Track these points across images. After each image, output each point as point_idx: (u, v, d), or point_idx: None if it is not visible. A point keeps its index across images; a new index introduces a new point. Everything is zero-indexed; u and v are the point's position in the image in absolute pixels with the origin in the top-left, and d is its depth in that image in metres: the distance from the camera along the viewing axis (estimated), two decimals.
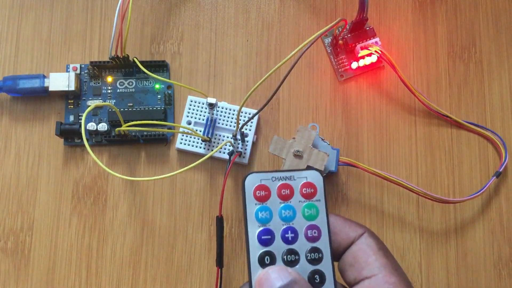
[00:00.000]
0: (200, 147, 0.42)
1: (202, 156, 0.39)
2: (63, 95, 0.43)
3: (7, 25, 0.45)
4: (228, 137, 0.42)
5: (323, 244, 0.29)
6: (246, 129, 0.42)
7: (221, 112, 0.42)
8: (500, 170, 0.42)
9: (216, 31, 0.45)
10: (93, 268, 0.41)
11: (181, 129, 0.42)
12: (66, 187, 0.42)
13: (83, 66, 0.44)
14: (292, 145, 0.38)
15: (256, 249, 0.29)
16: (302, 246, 0.29)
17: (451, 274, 0.41)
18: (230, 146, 0.41)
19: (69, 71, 0.44)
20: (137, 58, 0.43)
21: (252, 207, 0.30)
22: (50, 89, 0.42)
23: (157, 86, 0.44)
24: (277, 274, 0.27)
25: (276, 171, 0.30)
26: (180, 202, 0.42)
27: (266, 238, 0.29)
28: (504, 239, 0.42)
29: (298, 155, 0.37)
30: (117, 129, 0.39)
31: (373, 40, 0.43)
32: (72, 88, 0.42)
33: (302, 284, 0.27)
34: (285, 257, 0.29)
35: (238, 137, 0.41)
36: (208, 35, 0.45)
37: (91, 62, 0.43)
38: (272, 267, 0.28)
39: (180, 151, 0.43)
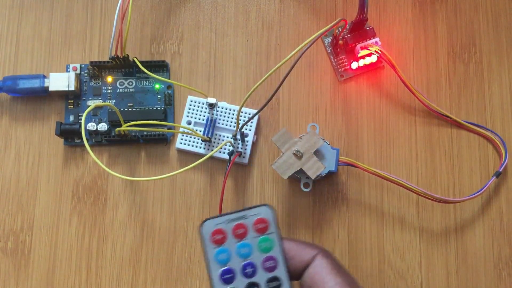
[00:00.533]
0: (200, 147, 0.42)
1: (202, 156, 0.39)
2: (63, 95, 0.43)
3: (7, 25, 0.45)
4: (228, 137, 0.42)
5: (281, 272, 0.32)
6: (246, 129, 0.42)
7: (221, 112, 0.42)
8: (500, 170, 0.42)
9: (216, 31, 0.45)
10: (93, 268, 0.41)
11: (181, 129, 0.42)
12: (66, 187, 0.42)
13: (83, 66, 0.44)
14: (296, 144, 0.38)
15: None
16: (261, 277, 0.32)
17: (451, 274, 0.41)
18: (230, 146, 0.41)
19: (69, 71, 0.44)
20: (137, 58, 0.43)
21: (211, 251, 0.32)
22: (50, 89, 0.42)
23: (157, 86, 0.44)
24: None
25: (228, 213, 0.32)
26: (180, 202, 0.42)
27: (228, 277, 0.32)
28: (504, 239, 0.42)
29: (296, 155, 0.37)
30: (117, 129, 0.39)
31: (373, 40, 0.43)
32: (72, 88, 0.42)
33: None
34: None
35: (238, 137, 0.41)
36: (208, 35, 0.45)
37: (91, 62, 0.43)
38: None
39: (180, 151, 0.43)
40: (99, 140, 0.43)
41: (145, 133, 0.42)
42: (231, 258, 0.32)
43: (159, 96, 0.44)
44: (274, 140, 0.38)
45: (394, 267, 0.41)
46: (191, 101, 0.43)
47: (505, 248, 0.41)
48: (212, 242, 0.32)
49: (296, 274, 0.32)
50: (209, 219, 0.32)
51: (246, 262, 0.32)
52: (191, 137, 0.42)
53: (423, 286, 0.41)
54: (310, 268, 0.32)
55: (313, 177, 0.37)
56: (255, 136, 0.42)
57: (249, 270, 0.32)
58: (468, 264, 0.41)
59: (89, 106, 0.37)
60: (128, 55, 0.42)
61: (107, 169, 0.34)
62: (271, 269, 0.32)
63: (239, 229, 0.32)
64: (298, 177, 0.39)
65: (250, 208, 0.33)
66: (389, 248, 0.41)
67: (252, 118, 0.38)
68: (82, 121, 0.34)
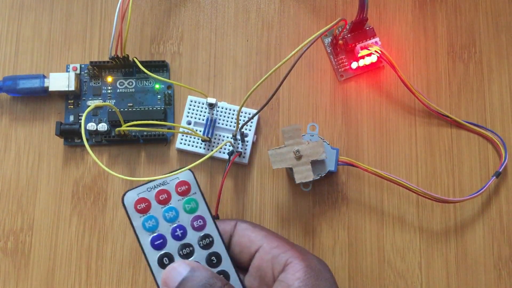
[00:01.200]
0: (200, 147, 0.42)
1: (202, 156, 0.39)
2: (63, 95, 0.43)
3: (7, 25, 0.45)
4: (228, 137, 0.42)
5: (211, 229, 0.33)
6: (246, 129, 0.42)
7: (221, 112, 0.42)
8: (500, 170, 0.42)
9: (216, 31, 0.45)
10: (93, 268, 0.41)
11: (181, 129, 0.42)
12: (66, 187, 0.42)
13: (83, 66, 0.44)
14: (300, 144, 0.38)
15: (153, 255, 0.32)
16: (192, 237, 0.33)
17: (451, 274, 0.41)
18: (230, 146, 0.41)
19: (69, 71, 0.44)
20: (137, 58, 0.43)
21: (138, 220, 0.32)
22: (50, 89, 0.42)
23: (157, 86, 0.44)
24: (177, 269, 0.30)
25: (148, 181, 0.33)
26: None
27: (158, 242, 0.32)
28: (504, 239, 0.42)
29: (295, 154, 0.37)
30: (117, 129, 0.40)
31: (373, 40, 0.43)
32: (72, 88, 0.42)
33: (200, 269, 0.30)
34: (180, 252, 0.32)
35: (238, 137, 0.41)
36: (208, 35, 0.45)
37: (91, 62, 0.43)
38: (171, 264, 0.31)
39: (180, 151, 0.43)
40: (99, 140, 0.43)
41: (145, 133, 0.42)
42: (159, 224, 0.32)
43: (159, 96, 0.44)
44: (283, 131, 0.38)
45: (394, 267, 0.41)
46: (191, 101, 0.43)
47: (505, 248, 0.41)
48: (137, 211, 0.32)
49: (223, 243, 0.33)
50: (129, 190, 0.33)
51: (174, 225, 0.33)
52: (191, 137, 0.42)
53: (423, 286, 0.41)
54: (235, 237, 0.34)
55: (296, 182, 0.37)
56: (255, 136, 0.42)
57: (179, 232, 0.32)
58: (468, 264, 0.41)
59: (89, 106, 0.37)
60: (128, 55, 0.42)
61: (106, 169, 0.34)
62: (200, 228, 0.33)
63: (162, 194, 0.33)
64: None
65: (168, 173, 0.33)
66: (389, 248, 0.41)
67: (252, 118, 0.38)
68: (82, 121, 0.34)
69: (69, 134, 0.42)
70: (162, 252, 0.32)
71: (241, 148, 0.42)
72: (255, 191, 0.42)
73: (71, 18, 0.45)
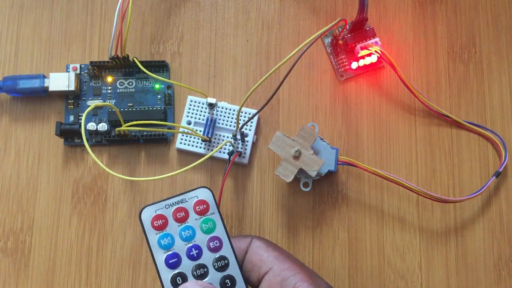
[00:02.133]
0: (200, 147, 0.42)
1: (202, 156, 0.39)
2: (63, 95, 0.43)
3: (7, 25, 0.45)
4: (228, 137, 0.42)
5: (227, 251, 0.32)
6: (246, 129, 0.42)
7: (221, 112, 0.42)
8: (500, 170, 0.42)
9: (216, 31, 0.45)
10: (93, 268, 0.41)
11: (181, 129, 0.42)
12: (66, 187, 0.42)
13: (83, 66, 0.44)
14: (292, 145, 0.38)
15: (167, 274, 0.31)
16: (208, 258, 0.32)
17: (451, 274, 0.41)
18: (230, 146, 0.41)
19: (69, 71, 0.44)
20: (137, 58, 0.43)
21: (153, 237, 0.32)
22: (50, 89, 0.42)
23: (157, 86, 0.44)
24: None
25: (167, 198, 0.33)
26: None
27: (173, 261, 0.32)
28: (504, 239, 0.42)
29: (296, 156, 0.37)
30: (117, 129, 0.40)
31: (373, 40, 0.43)
32: (72, 88, 0.42)
33: None
34: (194, 272, 0.32)
35: (238, 137, 0.41)
36: (208, 35, 0.45)
37: (91, 62, 0.43)
38: (183, 284, 0.31)
39: (180, 151, 0.43)
40: (99, 140, 0.43)
41: (145, 133, 0.42)
42: (174, 243, 0.32)
43: (159, 96, 0.44)
44: (303, 128, 0.38)
45: (394, 267, 0.41)
46: (191, 101, 0.43)
47: (505, 248, 0.41)
48: (154, 228, 0.32)
49: (239, 266, 0.33)
50: (147, 206, 0.32)
51: (190, 245, 0.32)
52: (191, 137, 0.42)
53: (423, 286, 0.41)
54: (248, 253, 0.33)
55: (313, 175, 0.37)
56: (255, 136, 0.42)
57: (194, 252, 0.32)
58: (468, 264, 0.41)
59: (89, 106, 0.37)
60: (128, 55, 0.42)
61: (106, 169, 0.34)
62: (216, 249, 0.32)
63: (179, 212, 0.32)
64: (297, 176, 0.39)
65: (187, 191, 0.33)
66: (389, 248, 0.41)
67: (252, 118, 0.38)
68: (82, 121, 0.34)
69: (69, 134, 0.42)
70: (176, 271, 0.31)
71: (241, 148, 0.42)
72: (255, 191, 0.42)
73: (71, 18, 0.45)
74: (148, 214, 0.32)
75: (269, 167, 0.43)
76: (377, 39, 0.43)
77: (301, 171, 0.38)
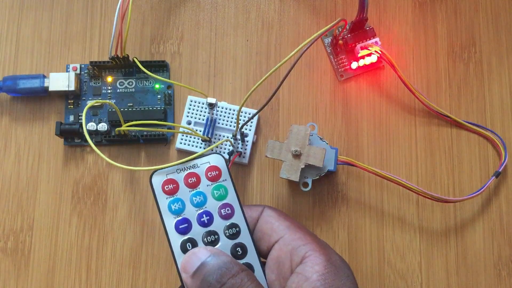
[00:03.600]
0: (200, 147, 0.42)
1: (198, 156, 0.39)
2: (63, 95, 0.43)
3: (7, 25, 0.45)
4: (228, 137, 0.42)
5: (238, 219, 0.32)
6: (246, 129, 0.42)
7: (221, 112, 0.42)
8: (500, 170, 0.42)
9: (216, 31, 0.45)
10: (93, 268, 0.41)
11: (181, 129, 0.42)
12: (66, 187, 0.42)
13: (83, 66, 0.44)
14: (288, 146, 0.38)
15: (177, 239, 0.31)
16: (219, 225, 0.31)
17: (451, 274, 0.41)
18: (230, 146, 0.41)
19: (69, 71, 0.44)
20: (137, 58, 0.43)
21: (164, 201, 0.31)
22: (50, 89, 0.42)
23: (157, 86, 0.44)
24: (196, 254, 0.29)
25: (179, 162, 0.32)
26: None
27: (183, 227, 0.31)
28: (504, 239, 0.42)
29: (296, 155, 0.37)
30: (117, 129, 0.40)
31: (373, 40, 0.43)
32: (72, 88, 0.42)
33: (220, 255, 0.29)
34: (205, 239, 0.31)
35: (238, 137, 0.41)
36: (208, 35, 0.45)
37: (91, 62, 0.43)
38: (191, 250, 0.30)
39: (180, 151, 0.43)
40: (99, 140, 0.43)
41: (145, 133, 0.42)
42: (185, 208, 0.31)
43: (159, 96, 0.44)
44: (269, 155, 0.38)
45: (394, 267, 0.41)
46: (191, 101, 0.43)
47: (505, 248, 0.41)
48: (164, 192, 0.31)
49: (250, 234, 0.32)
50: (159, 169, 0.31)
51: (201, 211, 0.31)
52: (191, 137, 0.42)
53: (423, 286, 0.41)
54: (258, 222, 0.32)
55: (321, 165, 0.37)
56: (255, 136, 0.42)
57: (205, 218, 0.31)
58: (468, 264, 0.41)
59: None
60: (128, 55, 0.42)
61: (110, 161, 0.33)
62: (228, 216, 0.32)
63: (191, 177, 0.32)
64: (305, 175, 0.39)
65: (200, 157, 0.32)
66: (389, 248, 0.41)
67: (252, 118, 0.38)
68: (83, 118, 0.34)
69: (69, 134, 0.42)
70: (186, 237, 0.31)
71: (241, 148, 0.42)
72: (255, 191, 0.42)
73: (71, 18, 0.45)
74: (159, 178, 0.31)
75: (269, 167, 0.43)
76: (377, 39, 0.43)
77: (303, 169, 0.38)
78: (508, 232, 0.42)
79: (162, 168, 0.32)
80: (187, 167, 0.32)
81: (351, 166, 0.40)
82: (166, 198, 0.31)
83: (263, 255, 0.32)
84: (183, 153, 0.43)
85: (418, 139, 0.43)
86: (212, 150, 0.41)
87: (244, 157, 0.42)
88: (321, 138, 0.40)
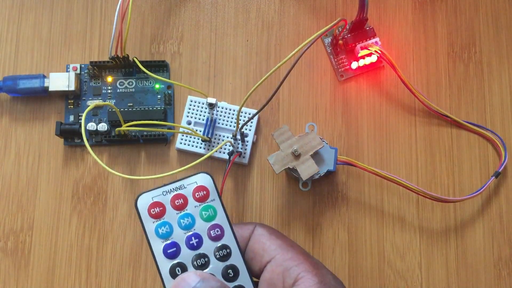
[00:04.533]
0: (200, 147, 0.42)
1: (202, 156, 0.39)
2: (63, 95, 0.43)
3: (7, 25, 0.45)
4: (228, 137, 0.42)
5: (229, 240, 0.30)
6: (246, 129, 0.42)
7: (221, 112, 0.42)
8: (499, 170, 0.42)
9: (216, 31, 0.45)
10: (93, 268, 0.41)
11: (181, 129, 0.42)
12: (66, 187, 0.42)
13: (83, 66, 0.44)
14: (295, 143, 0.38)
15: (166, 264, 0.30)
16: (209, 247, 0.30)
17: (451, 274, 0.41)
18: (230, 146, 0.41)
19: (69, 71, 0.44)
20: (137, 58, 0.43)
21: (150, 225, 0.30)
22: (50, 89, 0.42)
23: (157, 86, 0.44)
24: (186, 280, 0.28)
25: (165, 185, 0.31)
26: None
27: (172, 251, 0.30)
28: (504, 239, 0.42)
29: (294, 154, 0.37)
30: (117, 129, 0.40)
31: (373, 40, 0.43)
32: (72, 88, 0.42)
33: (210, 280, 0.28)
34: (195, 263, 0.30)
35: (238, 137, 0.41)
36: (208, 35, 0.45)
37: (91, 62, 0.43)
38: (181, 275, 0.29)
39: (180, 151, 0.43)
40: (99, 140, 0.43)
41: (145, 133, 0.42)
42: (173, 231, 0.30)
43: (159, 96, 0.44)
44: (274, 136, 0.38)
45: (394, 267, 0.41)
46: (191, 101, 0.43)
47: (505, 248, 0.41)
48: (151, 216, 0.30)
49: (242, 255, 0.31)
50: (144, 193, 0.30)
51: (190, 233, 0.30)
52: (191, 137, 0.42)
53: (423, 286, 0.41)
54: (250, 242, 0.31)
55: (304, 179, 0.37)
56: (255, 136, 0.42)
57: (194, 241, 0.30)
58: (468, 264, 0.41)
59: (89, 106, 0.37)
60: (128, 55, 0.42)
61: (107, 168, 0.34)
62: (217, 238, 0.30)
63: (178, 199, 0.31)
64: (296, 176, 0.39)
65: (186, 177, 0.31)
66: (389, 248, 0.41)
67: (252, 118, 0.38)
68: (82, 121, 0.34)
69: (69, 134, 0.42)
70: (175, 261, 0.30)
71: (241, 148, 0.42)
72: (255, 191, 0.42)
73: (71, 18, 0.45)
74: (144, 202, 0.30)
75: (269, 167, 0.43)
76: (377, 39, 0.43)
77: (295, 170, 0.38)
78: (508, 232, 0.42)
79: (147, 191, 0.31)
80: (173, 189, 0.31)
81: (351, 166, 0.40)
82: (153, 222, 0.30)
83: (255, 275, 0.31)
84: (183, 153, 0.43)
85: (418, 139, 0.43)
86: (215, 152, 0.41)
87: (244, 157, 0.42)
88: (320, 138, 0.40)
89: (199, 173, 0.31)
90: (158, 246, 0.30)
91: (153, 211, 0.30)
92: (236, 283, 0.30)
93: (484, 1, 0.46)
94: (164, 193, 0.31)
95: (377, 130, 0.43)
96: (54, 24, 0.45)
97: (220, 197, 0.31)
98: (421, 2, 0.46)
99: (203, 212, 0.31)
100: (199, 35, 0.45)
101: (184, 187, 0.31)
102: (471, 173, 0.43)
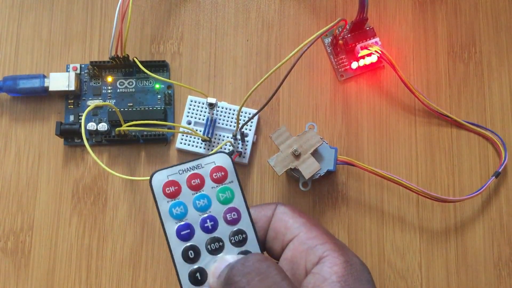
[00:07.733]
0: (200, 147, 0.42)
1: (202, 156, 0.39)
2: (63, 95, 0.43)
3: (7, 25, 0.45)
4: (228, 137, 0.42)
5: (245, 224, 0.29)
6: (246, 129, 0.42)
7: (221, 112, 0.42)
8: (499, 170, 0.42)
9: (216, 31, 0.45)
10: (93, 268, 0.41)
11: (181, 129, 0.42)
12: (66, 187, 0.42)
13: (83, 66, 0.44)
14: (294, 143, 0.38)
15: (178, 246, 0.28)
16: (224, 231, 0.29)
17: (451, 274, 0.41)
18: (230, 146, 0.41)
19: (69, 71, 0.44)
20: (137, 58, 0.43)
21: (165, 205, 0.29)
22: (50, 89, 0.42)
23: (157, 86, 0.44)
24: (226, 259, 0.28)
25: (182, 163, 0.29)
26: None
27: (185, 233, 0.28)
28: (504, 239, 0.42)
29: (294, 154, 0.37)
30: (117, 129, 0.40)
31: (373, 40, 0.43)
32: (72, 88, 0.42)
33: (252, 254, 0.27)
34: (209, 246, 0.28)
35: (238, 137, 0.41)
36: (208, 35, 0.45)
37: (91, 62, 0.43)
38: (221, 256, 0.28)
39: (180, 151, 0.43)
40: (99, 140, 0.43)
41: (145, 133, 0.42)
42: (187, 212, 0.29)
43: (159, 96, 0.44)
44: (273, 137, 0.38)
45: (394, 267, 0.41)
46: (191, 101, 0.43)
47: (505, 248, 0.41)
48: (165, 195, 0.29)
49: (265, 234, 0.30)
50: (159, 170, 0.29)
51: (205, 215, 0.29)
52: (191, 137, 0.42)
53: (423, 286, 0.41)
54: (272, 221, 0.30)
55: (307, 177, 0.37)
56: (255, 136, 0.42)
57: (209, 224, 0.29)
58: (468, 264, 0.41)
59: (89, 106, 0.37)
60: (128, 55, 0.42)
61: (107, 168, 0.34)
62: (234, 222, 0.29)
63: (194, 179, 0.29)
64: (296, 176, 0.39)
65: (204, 156, 0.30)
66: (389, 248, 0.41)
67: (252, 118, 0.38)
68: (82, 121, 0.34)
69: (69, 134, 0.42)
70: (188, 244, 0.28)
71: (241, 148, 0.42)
72: (255, 191, 0.42)
73: (71, 18, 0.45)
74: (159, 180, 0.29)
75: (269, 167, 0.43)
76: (377, 39, 0.43)
77: (296, 170, 0.38)
78: (508, 232, 0.42)
79: (162, 169, 0.29)
80: (190, 168, 0.29)
81: (351, 166, 0.40)
82: (167, 202, 0.29)
83: (276, 255, 0.30)
84: (183, 153, 0.43)
85: (418, 139, 0.43)
86: (214, 152, 0.41)
87: (244, 157, 0.42)
88: (321, 138, 0.40)
89: (218, 152, 0.30)
90: (171, 227, 0.28)
91: (168, 190, 0.29)
92: None
93: (484, 1, 0.46)
94: (181, 172, 0.29)
95: (377, 130, 0.43)
96: (54, 24, 0.45)
97: (238, 179, 0.30)
98: (421, 2, 0.46)
99: (220, 194, 0.29)
100: (199, 35, 0.45)
101: (202, 167, 0.29)
102: (471, 173, 0.43)
